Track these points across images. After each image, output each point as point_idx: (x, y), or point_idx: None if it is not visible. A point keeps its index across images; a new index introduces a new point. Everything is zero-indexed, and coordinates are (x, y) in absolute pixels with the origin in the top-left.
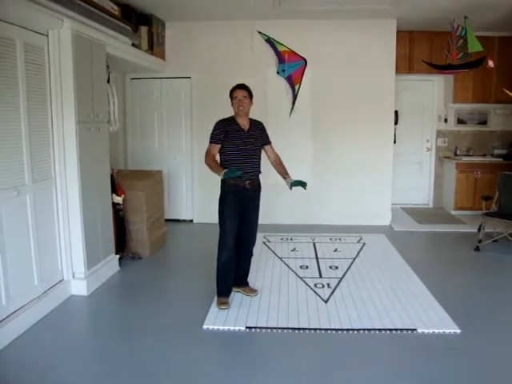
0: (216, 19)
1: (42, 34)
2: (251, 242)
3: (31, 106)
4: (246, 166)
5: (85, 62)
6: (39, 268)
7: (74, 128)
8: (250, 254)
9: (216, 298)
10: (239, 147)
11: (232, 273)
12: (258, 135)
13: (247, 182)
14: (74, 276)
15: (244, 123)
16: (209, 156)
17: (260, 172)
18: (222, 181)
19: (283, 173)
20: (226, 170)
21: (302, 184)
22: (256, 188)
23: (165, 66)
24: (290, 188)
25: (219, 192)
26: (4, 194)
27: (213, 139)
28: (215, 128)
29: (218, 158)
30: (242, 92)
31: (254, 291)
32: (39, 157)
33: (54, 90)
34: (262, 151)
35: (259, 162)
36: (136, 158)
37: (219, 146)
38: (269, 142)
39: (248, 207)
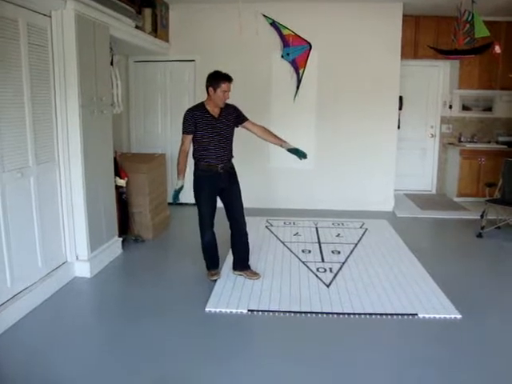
0: (220, 2)
1: (45, 15)
2: (241, 222)
3: (34, 88)
4: (217, 152)
5: (88, 44)
6: (43, 250)
7: (77, 111)
8: (245, 235)
9: (206, 271)
10: (210, 134)
11: (216, 248)
12: (229, 120)
13: (220, 166)
14: (77, 258)
15: (215, 110)
16: (181, 150)
17: (232, 156)
18: (194, 165)
19: (276, 141)
20: (178, 186)
21: (299, 153)
22: (229, 171)
23: (168, 48)
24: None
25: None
26: (8, 176)
27: (184, 130)
28: (185, 118)
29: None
30: (230, 86)
31: (256, 275)
32: (43, 139)
33: (58, 72)
34: (246, 130)
35: (231, 146)
36: (139, 140)
37: (191, 136)
38: (246, 119)
39: (228, 191)
